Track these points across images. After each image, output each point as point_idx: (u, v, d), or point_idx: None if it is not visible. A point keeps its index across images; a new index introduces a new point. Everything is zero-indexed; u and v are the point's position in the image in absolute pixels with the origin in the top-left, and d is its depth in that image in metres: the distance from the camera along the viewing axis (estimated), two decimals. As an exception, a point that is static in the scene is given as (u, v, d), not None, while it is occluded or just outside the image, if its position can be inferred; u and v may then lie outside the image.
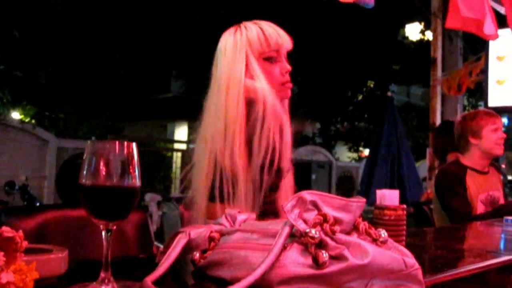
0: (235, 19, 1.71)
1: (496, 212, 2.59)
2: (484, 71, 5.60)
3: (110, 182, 0.80)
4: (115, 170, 0.80)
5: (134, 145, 0.83)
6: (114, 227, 0.83)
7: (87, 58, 12.16)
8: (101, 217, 0.82)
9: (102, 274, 0.81)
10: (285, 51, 1.63)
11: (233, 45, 1.60)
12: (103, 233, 0.82)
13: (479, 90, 6.31)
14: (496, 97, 5.45)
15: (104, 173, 0.80)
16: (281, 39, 1.60)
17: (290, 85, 1.65)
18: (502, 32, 5.55)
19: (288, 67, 1.62)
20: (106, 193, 0.81)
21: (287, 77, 1.62)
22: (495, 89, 5.45)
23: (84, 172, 0.81)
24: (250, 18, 1.68)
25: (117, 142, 0.81)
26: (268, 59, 1.60)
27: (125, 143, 0.81)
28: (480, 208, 2.70)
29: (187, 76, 14.60)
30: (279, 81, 1.61)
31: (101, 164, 0.80)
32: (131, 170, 0.82)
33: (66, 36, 11.38)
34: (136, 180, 0.82)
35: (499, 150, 2.76)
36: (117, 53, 12.45)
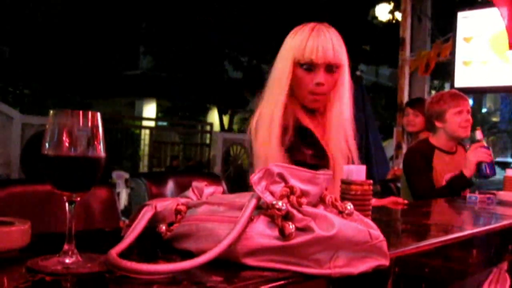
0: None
1: (449, 186, 2.63)
2: (451, 52, 5.68)
3: (74, 152, 0.78)
4: (78, 140, 0.78)
5: (98, 115, 0.81)
6: (78, 199, 0.81)
7: (53, 33, 11.88)
8: (64, 188, 0.80)
9: (66, 246, 0.80)
10: (323, 65, 1.68)
11: (284, 47, 1.75)
12: (66, 205, 0.81)
13: (446, 71, 6.39)
14: (463, 78, 5.54)
15: (67, 143, 0.78)
16: (317, 54, 1.66)
17: (318, 97, 1.73)
18: (469, 13, 5.63)
19: (320, 80, 1.68)
20: (69, 163, 0.79)
21: (317, 89, 1.70)
22: (461, 70, 5.53)
23: (47, 143, 0.78)
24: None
25: (81, 112, 0.79)
26: (303, 66, 1.69)
27: (90, 113, 0.79)
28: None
29: (156, 52, 14.41)
30: (306, 91, 1.72)
31: (64, 134, 0.78)
32: (95, 141, 0.80)
33: (32, 10, 11.09)
34: (100, 150, 0.80)
35: (464, 133, 2.77)
36: (85, 28, 12.19)
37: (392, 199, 2.22)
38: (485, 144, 2.65)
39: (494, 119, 27.24)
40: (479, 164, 2.58)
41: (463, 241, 1.29)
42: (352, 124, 1.79)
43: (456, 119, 2.75)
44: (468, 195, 2.27)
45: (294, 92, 1.74)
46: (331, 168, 1.71)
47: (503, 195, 2.26)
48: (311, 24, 1.74)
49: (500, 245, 1.52)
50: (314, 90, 1.70)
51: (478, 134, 2.65)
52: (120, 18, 12.34)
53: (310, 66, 1.68)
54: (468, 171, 2.59)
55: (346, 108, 1.77)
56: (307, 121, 1.76)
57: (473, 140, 2.69)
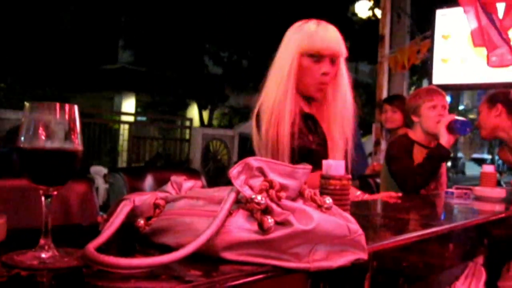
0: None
1: (429, 158, 2.65)
2: (430, 50, 5.73)
3: (50, 145, 0.77)
4: (55, 133, 0.77)
5: (76, 108, 0.80)
6: (55, 193, 0.80)
7: (30, 26, 11.70)
8: (40, 182, 0.79)
9: (42, 241, 0.79)
10: (329, 55, 1.83)
11: (287, 39, 1.88)
12: (43, 199, 0.79)
13: (425, 68, 6.45)
14: (441, 75, 5.60)
15: (43, 136, 0.77)
16: (324, 44, 1.82)
17: (323, 86, 1.86)
18: (448, 11, 5.69)
19: (326, 70, 1.82)
20: (45, 156, 0.77)
21: (323, 78, 1.84)
22: (439, 67, 5.59)
23: (22, 136, 0.77)
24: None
25: (57, 105, 0.78)
26: (311, 56, 1.83)
27: (67, 106, 0.78)
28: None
29: (135, 46, 14.29)
30: (313, 79, 1.85)
31: (41, 127, 0.77)
32: (72, 134, 0.79)
33: (8, 2, 10.91)
34: (77, 144, 0.79)
35: (437, 128, 2.81)
36: (63, 21, 12.03)
37: (385, 193, 2.33)
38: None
39: (471, 116, 27.57)
40: (450, 127, 2.60)
41: (440, 236, 1.30)
42: (351, 112, 1.91)
43: (430, 114, 2.78)
44: (445, 190, 2.31)
45: (297, 81, 1.84)
46: (330, 154, 1.87)
47: (479, 190, 2.30)
48: (314, 20, 1.88)
49: (476, 240, 1.55)
50: (320, 79, 1.84)
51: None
52: (100, 11, 12.21)
53: (317, 56, 1.82)
54: (443, 139, 2.60)
55: (346, 97, 1.90)
56: (308, 109, 1.90)
57: None
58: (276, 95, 1.82)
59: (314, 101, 1.93)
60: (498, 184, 3.51)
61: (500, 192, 2.27)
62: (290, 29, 1.90)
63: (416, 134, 2.86)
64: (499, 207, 2.06)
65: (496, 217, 1.75)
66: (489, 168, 2.44)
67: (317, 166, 1.69)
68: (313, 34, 1.83)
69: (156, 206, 0.92)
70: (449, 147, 2.61)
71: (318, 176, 1.58)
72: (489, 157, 26.70)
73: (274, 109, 1.80)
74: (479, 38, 3.05)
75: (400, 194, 2.33)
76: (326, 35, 1.83)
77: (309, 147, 1.83)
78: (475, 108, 28.74)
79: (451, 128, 2.58)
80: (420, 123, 2.82)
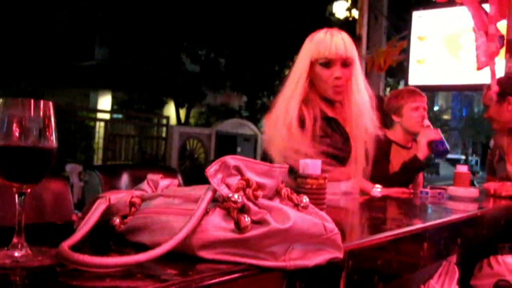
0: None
1: (403, 169, 2.70)
2: (406, 50, 5.80)
3: (24, 142, 0.76)
4: (29, 130, 0.76)
5: (51, 104, 0.79)
6: (28, 190, 0.79)
7: (6, 22, 11.51)
8: (13, 179, 0.77)
9: (15, 240, 0.77)
10: (339, 60, 1.95)
11: (302, 50, 2.02)
12: (16, 196, 0.78)
13: (401, 69, 6.52)
14: (416, 76, 5.67)
15: (17, 133, 0.75)
16: (332, 51, 1.94)
17: (338, 89, 1.98)
18: (424, 13, 5.76)
19: (337, 74, 1.95)
20: (19, 153, 0.76)
21: (337, 82, 1.96)
22: (415, 68, 5.66)
23: (-5, 132, 0.76)
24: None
25: (32, 101, 0.76)
26: (322, 64, 1.96)
27: (41, 102, 0.77)
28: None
29: (112, 43, 14.14)
30: (328, 84, 1.98)
31: (15, 123, 0.75)
32: (47, 131, 0.77)
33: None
34: (52, 141, 0.78)
35: (419, 128, 2.86)
36: (38, 16, 11.86)
37: (398, 189, 2.43)
38: (431, 125, 2.76)
39: (446, 117, 27.97)
40: (430, 144, 2.65)
41: (415, 235, 1.32)
42: (371, 113, 2.06)
43: (413, 114, 2.82)
44: (420, 190, 2.34)
45: (316, 87, 2.00)
46: (353, 154, 2.01)
47: (453, 190, 2.33)
48: (325, 29, 2.02)
49: (449, 239, 1.57)
50: (334, 83, 1.96)
51: (426, 122, 2.75)
52: (76, 7, 12.07)
53: (327, 63, 1.96)
54: (421, 153, 2.66)
55: (363, 97, 2.03)
56: (330, 112, 2.03)
57: None
58: (289, 101, 1.95)
59: (336, 104, 2.07)
60: (471, 184, 3.56)
61: (473, 192, 2.31)
62: (306, 39, 2.06)
63: (394, 134, 2.89)
64: (472, 207, 2.09)
65: (469, 217, 1.78)
66: (462, 169, 2.47)
67: (341, 163, 1.96)
68: (321, 42, 1.97)
69: (132, 204, 0.91)
70: (424, 160, 2.67)
71: (340, 172, 1.88)
72: (462, 157, 27.12)
73: (285, 114, 1.93)
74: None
75: (412, 190, 2.45)
76: (333, 41, 1.95)
77: (333, 147, 1.95)
78: (449, 109, 29.15)
79: (432, 146, 2.62)
80: (401, 123, 2.86)
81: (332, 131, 2.01)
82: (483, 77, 3.65)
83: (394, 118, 2.87)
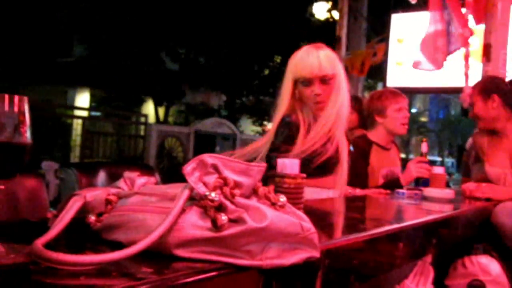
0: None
1: (384, 186, 2.74)
2: (385, 53, 5.84)
3: (-3, 137, 0.74)
4: (3, 125, 0.75)
5: (26, 100, 0.77)
6: (2, 187, 0.77)
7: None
8: (-14, 175, 0.76)
9: (-13, 237, 0.76)
10: (317, 78, 2.04)
11: (286, 69, 2.13)
12: (-11, 193, 0.77)
13: (379, 71, 6.58)
14: (395, 78, 5.72)
15: (-10, 128, 0.74)
16: (308, 70, 2.04)
17: (320, 105, 2.08)
18: (403, 15, 5.81)
19: (317, 92, 2.05)
20: (-8, 149, 0.75)
21: (317, 99, 2.06)
22: (394, 70, 5.71)
23: (-32, 127, 0.74)
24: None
25: (6, 96, 0.75)
26: (302, 83, 2.07)
27: (16, 97, 0.76)
28: (380, 182, 2.84)
29: (91, 40, 14.00)
30: (310, 100, 2.08)
31: (-13, 118, 0.74)
32: (21, 126, 0.76)
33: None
34: (27, 137, 0.77)
35: (402, 130, 2.89)
36: (15, 12, 11.68)
37: (375, 190, 2.53)
38: (427, 159, 2.76)
39: (423, 119, 28.25)
40: (416, 178, 2.68)
41: (391, 235, 1.33)
42: (346, 122, 2.15)
43: (397, 115, 2.85)
44: (396, 190, 2.36)
45: (303, 103, 2.11)
46: (339, 160, 2.12)
47: (429, 191, 2.36)
48: (304, 47, 2.11)
49: (425, 239, 1.58)
50: (314, 99, 2.06)
51: (424, 147, 2.75)
52: (54, 3, 11.92)
53: (306, 82, 2.06)
54: (405, 181, 2.69)
55: (340, 109, 2.10)
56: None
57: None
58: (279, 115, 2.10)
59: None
60: (447, 185, 3.61)
61: (449, 193, 2.34)
62: (290, 58, 2.14)
63: (376, 135, 2.91)
64: (447, 208, 2.12)
65: (445, 217, 1.80)
66: (439, 170, 2.51)
67: (331, 172, 2.11)
68: (299, 62, 2.07)
69: (108, 202, 0.91)
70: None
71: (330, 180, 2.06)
72: (439, 159, 27.43)
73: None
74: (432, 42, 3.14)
75: (388, 191, 2.48)
76: (308, 61, 2.04)
77: (325, 155, 2.05)
78: (426, 111, 29.46)
79: (417, 180, 2.65)
80: (384, 124, 2.88)
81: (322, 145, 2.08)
82: (459, 80, 3.71)
83: (378, 119, 2.89)
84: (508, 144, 2.69)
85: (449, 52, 3.71)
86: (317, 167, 2.04)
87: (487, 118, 2.75)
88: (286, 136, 2.05)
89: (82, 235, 0.90)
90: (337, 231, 1.37)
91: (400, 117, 2.86)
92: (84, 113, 12.43)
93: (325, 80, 2.05)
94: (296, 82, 2.09)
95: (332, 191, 2.15)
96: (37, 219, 1.11)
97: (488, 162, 2.74)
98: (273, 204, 0.82)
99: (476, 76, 3.49)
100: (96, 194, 0.93)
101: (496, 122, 2.73)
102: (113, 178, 2.23)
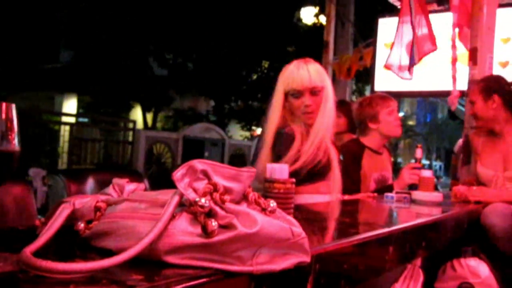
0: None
1: (378, 190, 2.75)
2: (372, 57, 5.87)
3: (-15, 145, 0.74)
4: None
5: (13, 107, 0.77)
6: (-11, 195, 0.77)
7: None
8: (-27, 183, 0.75)
9: (-25, 245, 0.75)
10: (307, 90, 2.13)
11: (277, 83, 2.22)
12: (-23, 201, 0.76)
13: (367, 74, 6.61)
14: (382, 82, 5.74)
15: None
16: (298, 83, 2.14)
17: (310, 115, 2.16)
18: (390, 20, 5.84)
19: (307, 103, 2.14)
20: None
21: (307, 109, 2.15)
22: (381, 74, 5.73)
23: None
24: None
25: (-7, 103, 0.75)
26: (292, 95, 2.16)
27: (4, 104, 0.75)
28: (372, 186, 2.84)
29: (78, 45, 13.93)
30: (300, 111, 2.17)
31: (-25, 125, 0.74)
32: (9, 133, 0.76)
33: None
34: (14, 144, 0.77)
35: (397, 131, 2.91)
36: (2, 18, 11.61)
37: (363, 194, 2.58)
38: (422, 165, 2.76)
39: (411, 122, 28.41)
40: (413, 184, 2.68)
41: (381, 239, 1.33)
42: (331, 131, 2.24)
43: (389, 119, 2.87)
44: (385, 194, 2.37)
45: (293, 115, 2.19)
46: (331, 166, 2.18)
47: (418, 194, 2.37)
48: (294, 61, 2.20)
49: (414, 242, 1.59)
50: (304, 110, 2.15)
51: (418, 153, 2.75)
52: (40, 8, 11.85)
53: (296, 94, 2.15)
54: (398, 187, 2.70)
55: (329, 118, 2.19)
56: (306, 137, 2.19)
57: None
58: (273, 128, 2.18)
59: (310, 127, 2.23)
60: (435, 188, 3.63)
61: (437, 196, 2.35)
62: (280, 73, 2.25)
63: (370, 140, 2.92)
64: (436, 211, 2.13)
65: (434, 221, 1.81)
66: (427, 173, 2.52)
67: (324, 178, 2.18)
68: (289, 75, 2.17)
69: (97, 209, 0.90)
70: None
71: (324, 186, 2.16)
72: (427, 162, 27.59)
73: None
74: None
75: (375, 195, 2.53)
76: (299, 74, 2.14)
77: (318, 162, 2.13)
78: (414, 114, 29.63)
79: (414, 184, 2.64)
80: (378, 129, 2.88)
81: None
82: (447, 84, 3.74)
83: (371, 125, 2.89)
84: (503, 146, 2.67)
85: (420, 56, 3.77)
86: (311, 174, 2.11)
87: (486, 118, 2.73)
88: (285, 148, 2.11)
89: (71, 242, 0.90)
90: (328, 235, 1.37)
91: (393, 120, 2.88)
92: (72, 119, 12.35)
93: (314, 92, 2.15)
94: (287, 95, 2.18)
95: (326, 196, 2.20)
96: (25, 227, 1.10)
97: (481, 163, 2.73)
98: (263, 210, 0.82)
99: (463, 79, 3.52)
100: (85, 201, 0.92)
101: (494, 122, 2.71)
102: (101, 184, 2.22)
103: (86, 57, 13.88)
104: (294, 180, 1.29)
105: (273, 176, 1.28)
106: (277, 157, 2.13)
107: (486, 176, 2.68)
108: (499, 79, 2.81)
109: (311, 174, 2.12)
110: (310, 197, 2.15)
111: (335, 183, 2.21)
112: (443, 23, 4.59)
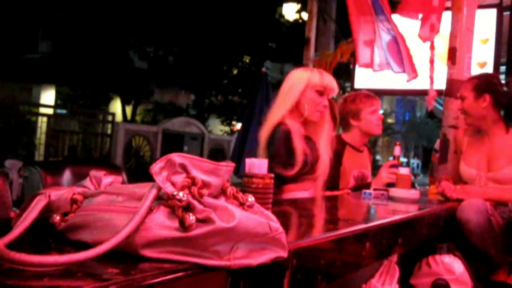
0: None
1: (354, 189, 2.77)
2: (353, 54, 5.89)
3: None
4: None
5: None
6: (-37, 186, 0.75)
7: None
8: None
9: None
10: (330, 93, 2.37)
11: (294, 77, 2.41)
12: (-50, 191, 0.75)
13: (348, 72, 6.64)
14: (362, 79, 5.77)
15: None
16: (329, 83, 2.36)
17: (322, 115, 2.39)
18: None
19: (326, 103, 2.36)
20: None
21: (323, 109, 2.36)
22: (361, 72, 5.76)
23: None
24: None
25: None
26: (318, 91, 2.33)
27: (-22, 93, 0.74)
28: (351, 183, 2.86)
29: (56, 36, 13.74)
30: (318, 108, 2.35)
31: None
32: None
33: None
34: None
35: (377, 130, 2.94)
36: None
37: (342, 191, 2.68)
38: (399, 162, 2.77)
39: (390, 120, 28.66)
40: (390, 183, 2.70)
41: (358, 235, 1.34)
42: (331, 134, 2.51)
43: (371, 117, 2.89)
44: (363, 190, 2.39)
45: (300, 109, 2.34)
46: (319, 163, 2.33)
47: (395, 191, 2.39)
48: (308, 67, 2.50)
49: (391, 239, 1.60)
50: (321, 109, 2.35)
51: (397, 150, 2.76)
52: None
53: (322, 91, 2.33)
54: (376, 185, 2.71)
55: (330, 124, 2.48)
56: (305, 132, 2.38)
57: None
58: (283, 116, 2.31)
59: (309, 125, 2.40)
60: (412, 186, 3.67)
61: (414, 194, 2.38)
62: (294, 71, 2.45)
63: (350, 137, 2.94)
64: (413, 208, 2.15)
65: (410, 217, 1.83)
66: (404, 171, 2.54)
67: (312, 176, 2.32)
68: (319, 76, 2.36)
69: (73, 201, 0.89)
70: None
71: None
72: (404, 160, 27.86)
73: (278, 127, 2.27)
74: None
75: (349, 190, 2.67)
76: (329, 78, 2.38)
77: (309, 159, 2.28)
78: (393, 112, 29.89)
79: (391, 183, 2.65)
80: (359, 126, 2.91)
81: (310, 147, 2.33)
82: (425, 83, 3.77)
83: (352, 122, 2.92)
84: (488, 146, 2.67)
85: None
86: (302, 174, 2.25)
87: (474, 116, 2.71)
88: (287, 147, 2.22)
89: (46, 235, 0.89)
90: (305, 231, 1.38)
91: (374, 119, 2.90)
92: (50, 111, 12.20)
93: (329, 99, 2.40)
94: (307, 89, 2.33)
95: (306, 192, 2.29)
96: (0, 219, 1.09)
97: (464, 161, 2.74)
98: (241, 204, 0.82)
99: (441, 79, 3.55)
100: (61, 193, 0.91)
101: (482, 121, 2.69)
102: (78, 177, 2.19)
103: (66, 48, 13.71)
104: (272, 175, 1.29)
105: (252, 171, 1.28)
106: (271, 153, 2.21)
107: (469, 175, 2.68)
108: (493, 79, 2.79)
109: (301, 174, 2.23)
110: (292, 193, 2.23)
111: (320, 180, 2.34)
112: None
